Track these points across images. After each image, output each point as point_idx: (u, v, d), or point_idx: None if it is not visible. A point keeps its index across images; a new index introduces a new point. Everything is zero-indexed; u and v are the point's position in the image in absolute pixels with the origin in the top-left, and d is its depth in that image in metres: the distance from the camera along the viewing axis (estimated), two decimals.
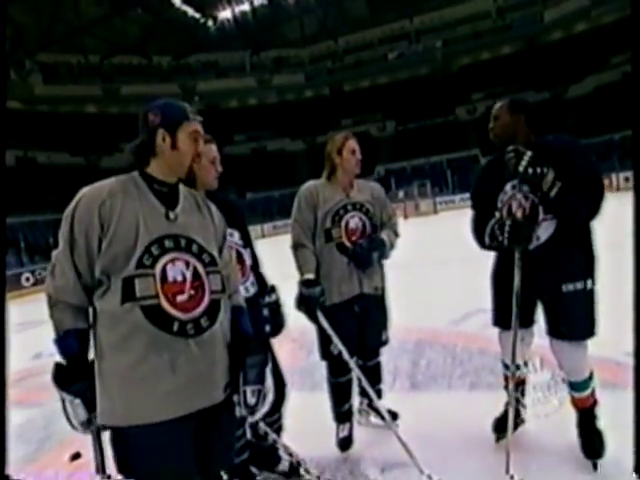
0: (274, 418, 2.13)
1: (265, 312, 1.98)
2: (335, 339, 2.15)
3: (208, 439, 1.39)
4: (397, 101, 33.55)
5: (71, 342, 1.28)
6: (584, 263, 1.95)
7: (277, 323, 2.05)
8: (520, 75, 30.06)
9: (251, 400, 1.40)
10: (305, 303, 2.16)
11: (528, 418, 2.28)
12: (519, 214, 1.95)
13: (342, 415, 2.41)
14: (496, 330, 2.21)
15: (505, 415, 2.20)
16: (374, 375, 2.50)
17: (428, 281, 5.46)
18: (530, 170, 1.83)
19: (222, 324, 1.38)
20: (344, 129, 35.40)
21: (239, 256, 1.93)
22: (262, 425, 1.85)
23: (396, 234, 2.49)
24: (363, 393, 2.57)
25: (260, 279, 2.09)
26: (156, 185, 1.35)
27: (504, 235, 1.93)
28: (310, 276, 2.19)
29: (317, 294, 2.13)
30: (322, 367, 2.62)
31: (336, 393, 2.41)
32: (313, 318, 2.19)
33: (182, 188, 1.43)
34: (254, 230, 24.82)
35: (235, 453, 1.93)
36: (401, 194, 24.81)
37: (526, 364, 2.21)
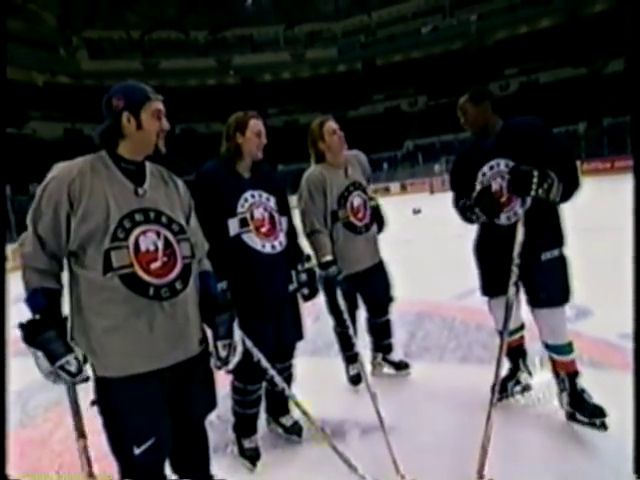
0: (285, 365, 2.21)
1: (304, 277, 2.15)
2: (343, 307, 2.38)
3: (186, 389, 1.51)
4: (429, 76, 33.25)
5: (38, 299, 1.33)
6: (556, 233, 2.08)
7: (313, 288, 2.20)
8: (557, 50, 29.29)
9: (222, 353, 1.57)
10: (325, 282, 2.33)
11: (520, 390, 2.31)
12: (495, 186, 2.08)
13: (349, 358, 2.70)
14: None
15: (507, 378, 2.31)
16: (384, 331, 2.77)
17: (443, 255, 5.41)
18: (540, 191, 1.90)
19: (193, 286, 1.51)
20: (376, 104, 36.02)
21: (271, 218, 2.07)
22: (274, 373, 1.93)
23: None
24: (376, 348, 2.83)
25: (296, 247, 2.23)
26: (123, 164, 1.43)
27: (481, 205, 2.10)
28: (329, 258, 2.36)
29: (334, 273, 2.31)
30: (324, 334, 2.80)
31: (342, 340, 2.66)
32: (331, 294, 2.39)
33: (148, 165, 1.51)
34: None
35: (248, 404, 2.10)
36: (437, 168, 24.95)
37: (522, 327, 2.32)
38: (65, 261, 1.42)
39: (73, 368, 1.29)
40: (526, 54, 30.04)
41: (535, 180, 1.90)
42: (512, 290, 1.99)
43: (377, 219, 2.67)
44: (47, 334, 1.28)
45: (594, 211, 7.17)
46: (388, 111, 35.12)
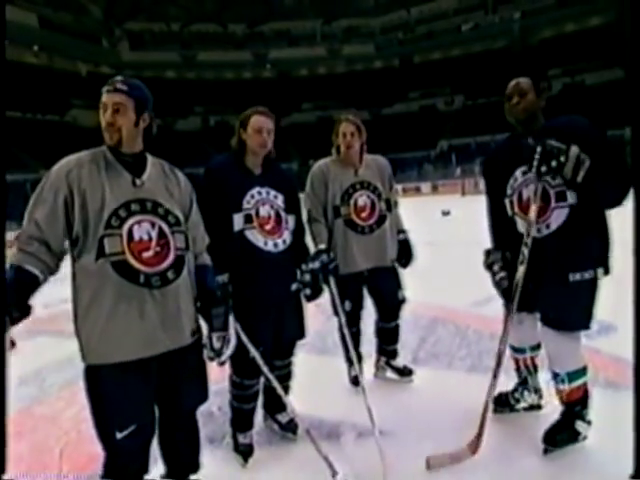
0: (285, 362, 2.22)
1: (307, 277, 2.11)
2: (339, 309, 2.29)
3: (176, 380, 1.54)
4: (468, 75, 32.54)
5: (9, 273, 1.33)
6: (597, 251, 1.85)
7: (317, 288, 2.15)
8: (606, 50, 28.06)
9: (217, 344, 1.60)
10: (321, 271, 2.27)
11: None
12: (527, 194, 1.92)
13: (350, 359, 2.53)
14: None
15: (509, 393, 2.26)
16: (391, 336, 2.72)
17: (466, 259, 4.67)
18: (544, 168, 1.76)
19: (187, 277, 1.56)
20: (411, 101, 35.59)
21: (278, 215, 2.06)
22: (269, 374, 1.93)
23: (393, 208, 2.66)
24: (381, 352, 2.78)
25: (302, 247, 2.21)
26: (122, 156, 1.50)
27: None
28: (322, 246, 2.36)
29: (326, 261, 2.21)
30: (335, 333, 2.72)
31: (344, 340, 2.47)
32: (325, 283, 2.28)
33: (150, 157, 1.58)
34: None
35: (245, 399, 2.10)
36: (458, 171, 24.52)
37: (538, 346, 2.15)
38: (69, 257, 1.47)
39: None
40: (572, 54, 28.96)
41: (537, 157, 1.74)
42: (515, 318, 1.93)
43: (405, 253, 2.63)
44: None
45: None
46: (423, 109, 34.67)
